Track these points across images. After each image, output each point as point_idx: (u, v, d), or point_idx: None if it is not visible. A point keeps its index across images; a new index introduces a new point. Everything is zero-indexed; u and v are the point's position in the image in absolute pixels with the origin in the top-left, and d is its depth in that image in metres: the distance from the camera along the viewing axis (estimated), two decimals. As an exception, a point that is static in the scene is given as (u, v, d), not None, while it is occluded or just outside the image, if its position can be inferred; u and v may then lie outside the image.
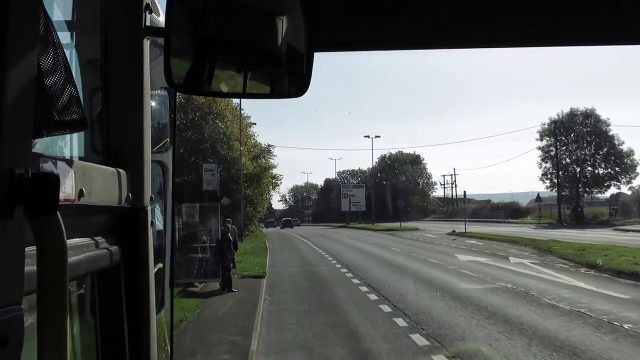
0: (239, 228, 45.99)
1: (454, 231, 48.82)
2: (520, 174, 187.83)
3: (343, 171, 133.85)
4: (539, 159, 69.73)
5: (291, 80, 1.33)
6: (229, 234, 19.41)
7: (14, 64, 0.74)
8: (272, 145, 56.24)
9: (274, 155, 56.56)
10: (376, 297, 16.94)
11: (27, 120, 0.79)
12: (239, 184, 46.73)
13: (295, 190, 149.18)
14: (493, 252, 30.14)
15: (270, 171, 54.28)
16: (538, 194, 66.75)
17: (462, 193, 49.02)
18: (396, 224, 67.08)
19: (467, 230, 46.55)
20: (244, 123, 49.14)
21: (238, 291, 18.12)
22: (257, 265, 24.57)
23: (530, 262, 24.60)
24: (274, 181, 56.50)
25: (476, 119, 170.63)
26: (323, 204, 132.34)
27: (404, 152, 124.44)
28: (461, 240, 40.49)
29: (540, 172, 69.77)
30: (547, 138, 68.02)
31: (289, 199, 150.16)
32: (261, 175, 51.50)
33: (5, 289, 0.74)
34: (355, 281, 20.49)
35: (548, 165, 68.34)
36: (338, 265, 25.78)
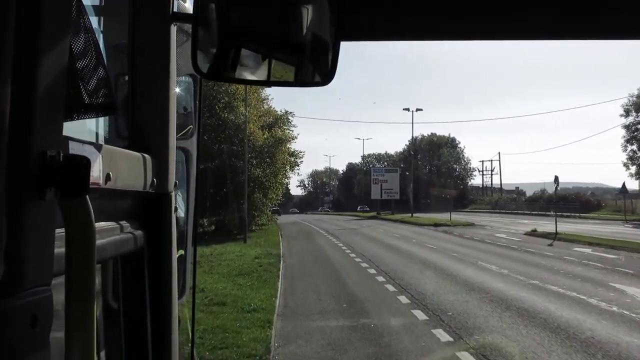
0: (241, 220, 33.07)
1: (535, 230, 35.89)
2: (572, 162, 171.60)
3: (368, 155, 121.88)
4: (622, 140, 56.03)
5: (317, 69, 1.33)
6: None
7: (46, 47, 0.74)
8: (291, 113, 42.44)
9: (294, 126, 42.50)
10: None
11: (59, 103, 0.79)
12: (244, 161, 33.74)
13: (315, 176, 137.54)
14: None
15: (288, 145, 40.43)
16: (623, 183, 52.92)
17: (554, 178, 35.64)
18: (443, 217, 54.13)
19: (558, 231, 33.35)
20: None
21: None
22: (255, 317, 11.45)
23: None
24: (292, 159, 42.93)
25: (523, 105, 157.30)
26: (344, 190, 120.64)
27: (437, 134, 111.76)
28: (564, 247, 27.36)
29: (624, 156, 56.16)
30: (635, 113, 54.34)
31: (308, 184, 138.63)
32: (275, 149, 37.91)
33: (35, 270, 0.75)
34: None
35: (634, 147, 54.76)
36: (420, 314, 12.62)
